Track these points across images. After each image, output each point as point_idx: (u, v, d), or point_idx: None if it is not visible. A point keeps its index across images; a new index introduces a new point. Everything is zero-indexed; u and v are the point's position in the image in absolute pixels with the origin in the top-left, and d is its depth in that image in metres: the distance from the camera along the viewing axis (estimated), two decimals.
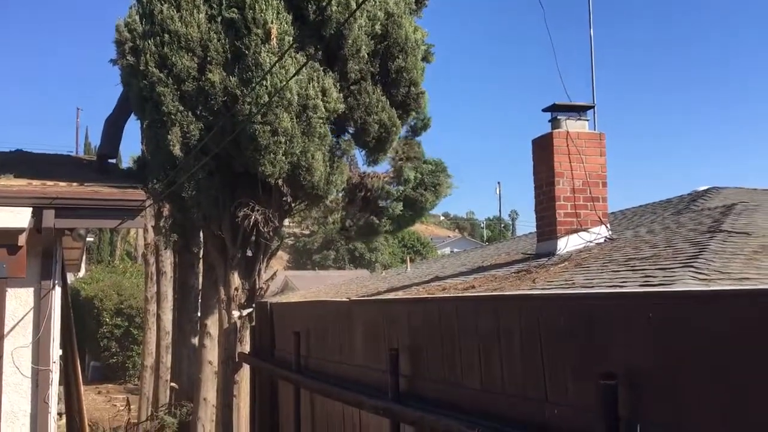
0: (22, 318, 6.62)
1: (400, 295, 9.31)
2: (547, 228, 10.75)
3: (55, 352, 7.17)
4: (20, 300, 6.64)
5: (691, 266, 6.43)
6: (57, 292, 7.04)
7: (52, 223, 6.39)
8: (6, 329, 6.48)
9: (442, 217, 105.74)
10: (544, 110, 10.16)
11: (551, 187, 10.47)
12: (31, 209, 6.27)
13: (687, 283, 5.97)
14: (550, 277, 8.69)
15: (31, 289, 6.69)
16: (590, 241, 10.06)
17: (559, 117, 10.43)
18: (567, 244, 10.26)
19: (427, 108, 9.89)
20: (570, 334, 3.09)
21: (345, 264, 52.91)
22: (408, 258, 19.77)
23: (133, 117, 9.70)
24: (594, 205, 10.22)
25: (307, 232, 52.60)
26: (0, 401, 6.28)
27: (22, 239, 6.00)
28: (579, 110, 10.66)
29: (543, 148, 10.77)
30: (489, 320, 3.80)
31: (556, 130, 10.52)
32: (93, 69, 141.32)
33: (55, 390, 7.11)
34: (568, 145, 10.12)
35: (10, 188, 6.70)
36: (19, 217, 6.08)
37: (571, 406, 3.07)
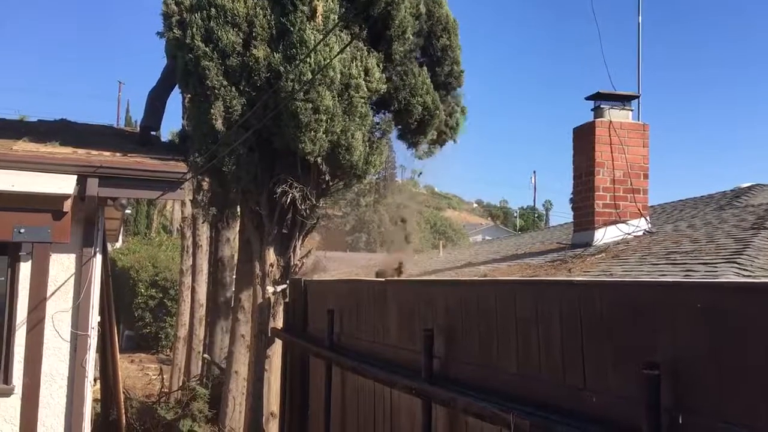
0: (64, 283, 6.77)
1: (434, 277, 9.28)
2: (585, 218, 10.62)
3: (94, 318, 7.32)
4: (62, 265, 6.79)
5: (735, 262, 6.31)
6: (98, 259, 7.18)
7: (96, 191, 6.50)
8: (48, 293, 6.64)
9: (475, 204, 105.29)
10: (587, 98, 10.00)
11: (591, 177, 10.32)
12: (75, 177, 6.39)
13: (730, 278, 5.85)
14: (586, 268, 8.59)
15: (73, 256, 6.83)
16: (629, 234, 9.90)
17: (602, 106, 10.25)
18: (604, 235, 10.12)
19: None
20: (613, 323, 3.06)
21: (376, 247, 53.03)
22: (441, 243, 19.76)
23: (172, 95, 9.79)
24: (634, 197, 10.06)
25: (339, 213, 52.80)
26: (41, 363, 6.45)
27: (67, 205, 6.13)
28: (623, 100, 10.47)
29: (584, 137, 10.61)
30: (528, 305, 3.78)
31: (599, 119, 10.35)
32: (135, 42, 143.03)
33: (92, 355, 7.27)
34: (610, 135, 9.95)
35: (56, 156, 6.84)
36: (64, 184, 6.21)
37: (611, 395, 3.04)
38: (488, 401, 3.87)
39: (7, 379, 6.44)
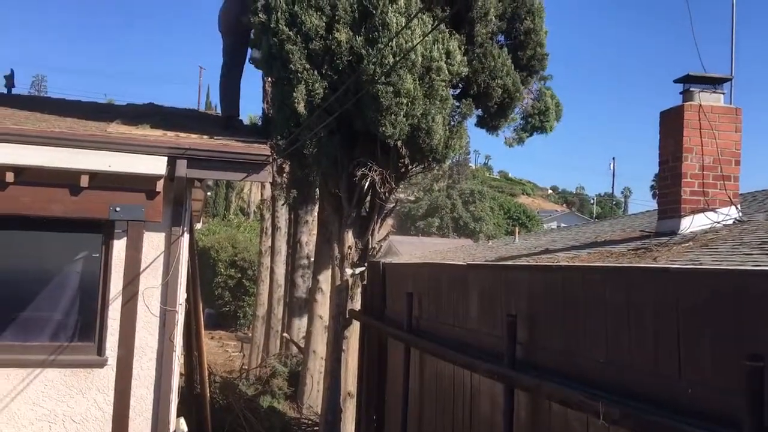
0: (154, 260, 7.02)
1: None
2: (670, 206, 10.30)
3: (181, 295, 7.58)
4: (152, 243, 7.03)
5: None
6: (185, 238, 7.42)
7: (185, 172, 6.69)
8: (140, 269, 6.90)
9: (550, 191, 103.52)
10: (676, 81, 9.65)
11: (678, 163, 10.00)
12: (166, 158, 6.59)
13: None
14: (672, 257, 8.33)
15: (163, 234, 7.06)
16: (717, 222, 9.55)
17: (692, 89, 9.88)
18: (692, 223, 9.80)
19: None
20: (712, 312, 2.97)
21: (449, 232, 52.96)
22: (516, 229, 19.54)
23: (249, 79, 9.89)
24: (724, 184, 9.69)
25: (412, 198, 52.93)
26: (134, 336, 6.73)
27: (159, 185, 6.35)
28: (714, 82, 10.06)
29: (672, 121, 10.29)
30: (619, 292, 3.70)
31: (688, 103, 10.01)
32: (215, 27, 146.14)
33: (179, 330, 7.54)
34: (699, 119, 9.61)
35: (148, 138, 7.07)
36: (157, 165, 6.42)
37: (708, 387, 2.95)
38: (575, 388, 3.83)
39: (100, 351, 6.74)
